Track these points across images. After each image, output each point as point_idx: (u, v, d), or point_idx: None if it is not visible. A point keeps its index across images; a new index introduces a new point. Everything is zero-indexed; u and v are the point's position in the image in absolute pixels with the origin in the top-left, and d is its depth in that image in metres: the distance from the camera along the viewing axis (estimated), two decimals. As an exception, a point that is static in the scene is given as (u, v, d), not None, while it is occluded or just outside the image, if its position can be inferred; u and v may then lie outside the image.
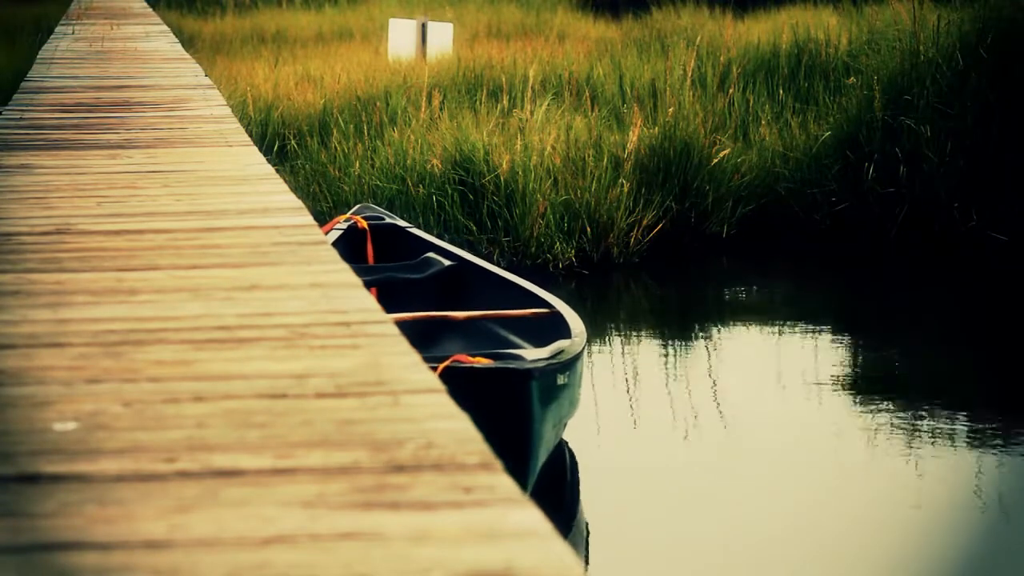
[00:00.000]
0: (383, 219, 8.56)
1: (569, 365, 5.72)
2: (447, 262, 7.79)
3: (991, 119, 11.00)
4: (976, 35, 11.40)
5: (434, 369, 5.29)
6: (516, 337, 6.91)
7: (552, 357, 5.67)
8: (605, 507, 5.87)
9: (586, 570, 5.29)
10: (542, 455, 5.59)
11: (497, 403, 5.31)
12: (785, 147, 11.35)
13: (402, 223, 8.62)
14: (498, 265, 8.72)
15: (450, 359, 5.47)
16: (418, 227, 9.23)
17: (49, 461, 2.28)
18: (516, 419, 5.35)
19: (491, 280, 7.45)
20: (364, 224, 8.27)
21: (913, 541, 5.57)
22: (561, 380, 5.64)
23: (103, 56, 12.62)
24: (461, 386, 5.33)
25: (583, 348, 6.01)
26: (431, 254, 7.93)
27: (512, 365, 5.39)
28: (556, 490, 5.97)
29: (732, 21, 17.14)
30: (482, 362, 5.47)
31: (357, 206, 9.01)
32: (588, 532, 5.69)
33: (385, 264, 7.93)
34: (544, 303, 6.79)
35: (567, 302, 6.93)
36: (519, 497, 2.06)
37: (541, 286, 7.26)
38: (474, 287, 7.55)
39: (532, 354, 5.99)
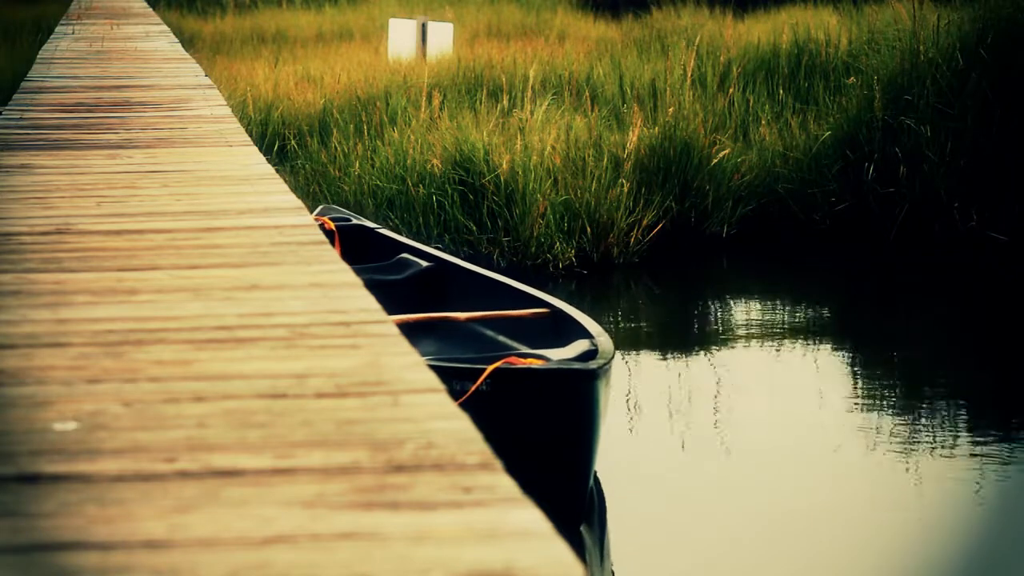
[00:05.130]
0: (349, 220, 8.43)
1: (611, 366, 5.71)
2: (424, 263, 7.64)
3: (991, 119, 11.00)
4: (976, 35, 11.40)
5: (482, 371, 5.28)
6: (524, 337, 6.73)
7: (597, 358, 5.63)
8: (607, 508, 5.87)
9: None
10: (597, 455, 5.61)
11: (557, 404, 5.30)
12: (785, 147, 11.35)
13: (369, 224, 8.45)
14: (498, 265, 8.67)
15: (501, 361, 5.45)
16: (387, 227, 9.10)
17: (49, 461, 2.28)
18: (579, 420, 5.33)
19: (476, 280, 7.32)
20: (331, 225, 8.08)
21: (914, 543, 5.57)
22: (611, 380, 5.66)
23: (103, 56, 12.61)
24: (514, 388, 5.32)
25: (614, 348, 5.97)
26: (406, 255, 7.78)
27: (576, 366, 5.36)
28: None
29: (732, 21, 17.13)
30: (535, 363, 5.44)
31: (321, 207, 8.88)
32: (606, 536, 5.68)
33: (359, 266, 7.74)
34: (543, 303, 6.68)
35: (567, 302, 6.85)
36: (519, 497, 2.06)
37: (537, 286, 7.18)
38: (458, 288, 7.40)
39: (557, 354, 5.95)
